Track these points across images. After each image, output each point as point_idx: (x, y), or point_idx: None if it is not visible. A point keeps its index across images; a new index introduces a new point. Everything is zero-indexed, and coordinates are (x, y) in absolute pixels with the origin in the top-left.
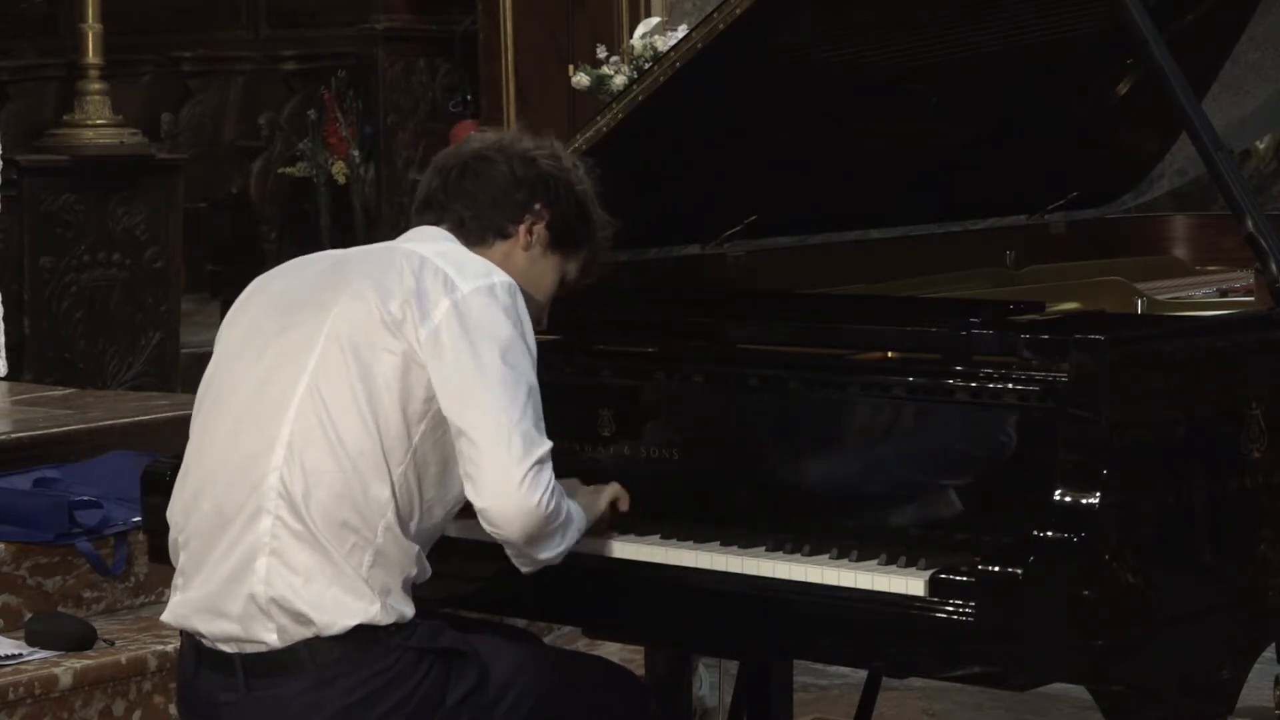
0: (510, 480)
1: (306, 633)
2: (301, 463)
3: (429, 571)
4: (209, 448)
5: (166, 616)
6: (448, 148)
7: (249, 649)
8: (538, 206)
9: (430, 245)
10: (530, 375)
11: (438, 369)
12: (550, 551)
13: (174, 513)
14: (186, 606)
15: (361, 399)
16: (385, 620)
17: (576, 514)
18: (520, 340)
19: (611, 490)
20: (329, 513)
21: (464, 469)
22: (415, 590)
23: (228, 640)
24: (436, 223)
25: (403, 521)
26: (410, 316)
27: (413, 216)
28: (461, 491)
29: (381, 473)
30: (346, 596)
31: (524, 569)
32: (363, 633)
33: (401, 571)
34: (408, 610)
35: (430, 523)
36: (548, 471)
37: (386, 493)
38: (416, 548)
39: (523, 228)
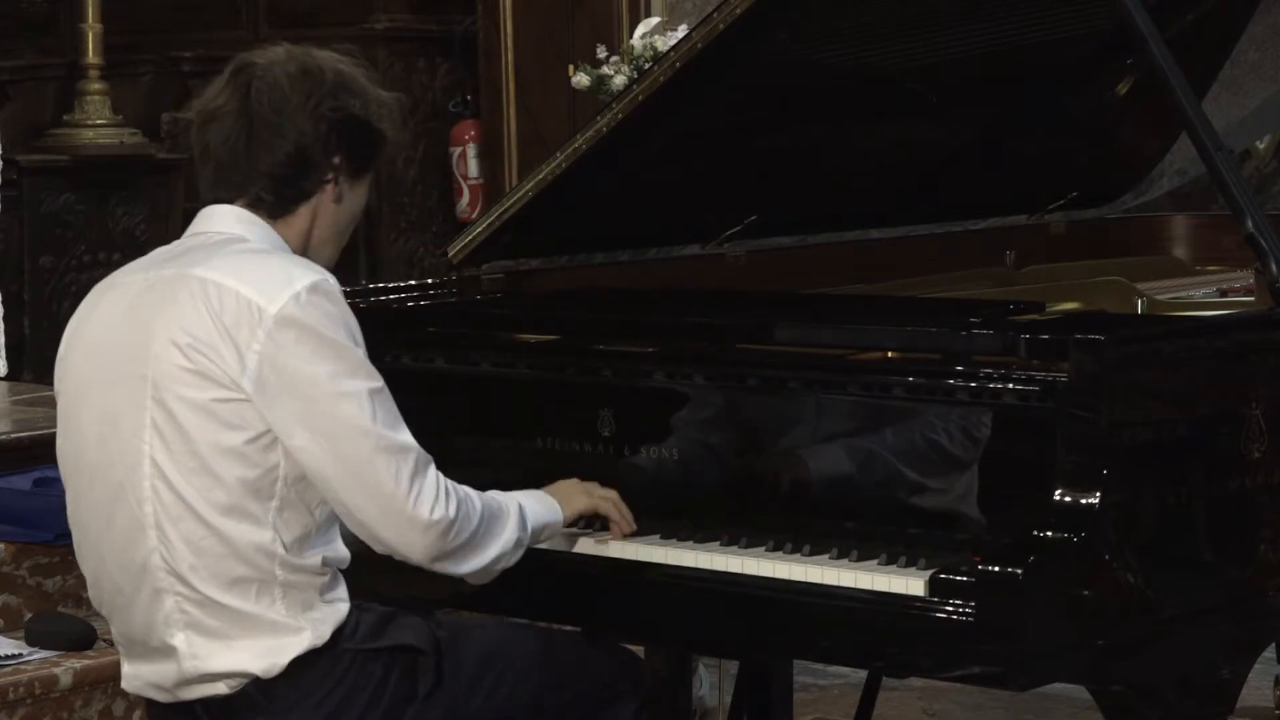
0: (394, 509)
1: (250, 678)
2: (174, 537)
3: (346, 555)
4: (89, 528)
5: (125, 685)
6: (209, 100)
7: (207, 697)
8: (337, 160)
9: (223, 259)
10: (369, 378)
11: (273, 415)
12: (474, 562)
13: (89, 582)
14: (137, 680)
15: (206, 459)
16: (319, 641)
17: (513, 510)
18: (346, 344)
19: (602, 491)
20: (220, 575)
21: (338, 511)
22: (408, 593)
23: (182, 698)
24: (231, 200)
25: (295, 545)
26: (225, 363)
27: (202, 186)
28: None
29: (253, 518)
30: (273, 640)
31: (470, 581)
32: (302, 660)
33: (315, 583)
34: (339, 611)
35: (321, 524)
36: (429, 478)
37: (268, 534)
38: (320, 554)
39: (328, 186)
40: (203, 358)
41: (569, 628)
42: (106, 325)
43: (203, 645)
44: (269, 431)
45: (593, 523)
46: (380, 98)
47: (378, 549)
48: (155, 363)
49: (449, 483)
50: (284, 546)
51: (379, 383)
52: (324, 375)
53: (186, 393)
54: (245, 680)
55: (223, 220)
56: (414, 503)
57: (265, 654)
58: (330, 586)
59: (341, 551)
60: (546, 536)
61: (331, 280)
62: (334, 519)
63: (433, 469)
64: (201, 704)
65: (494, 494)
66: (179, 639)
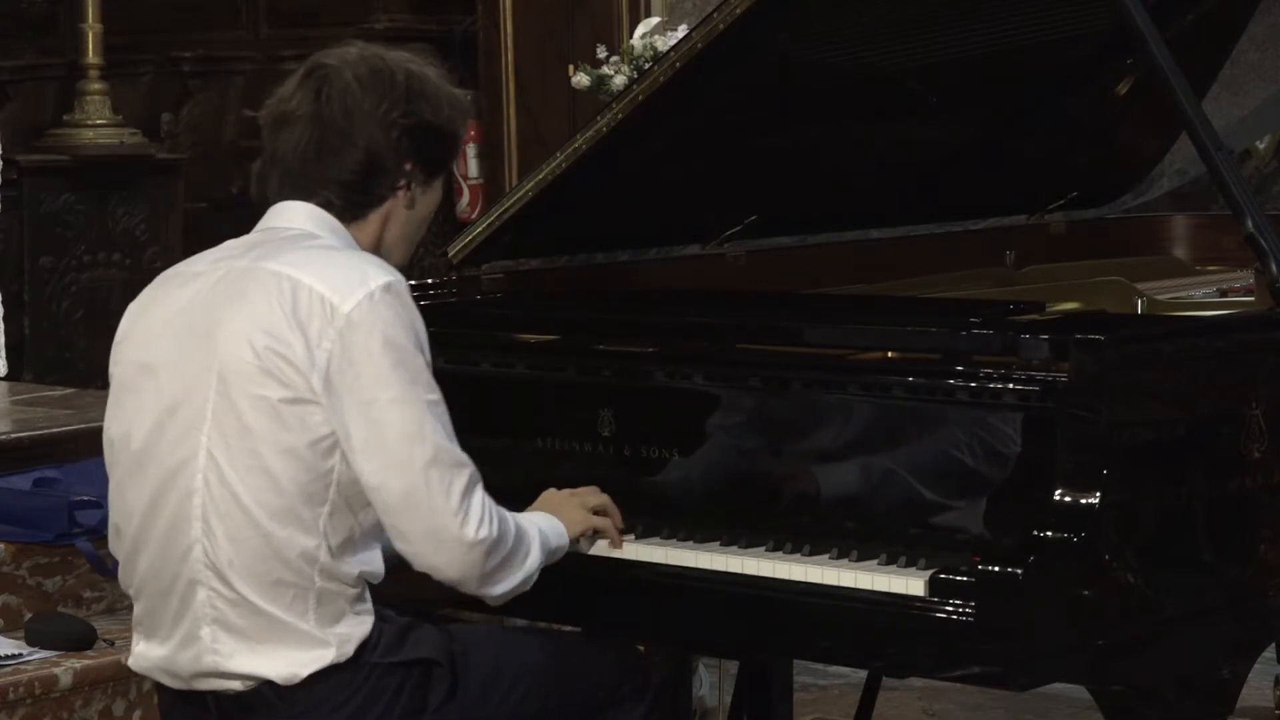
0: (440, 525)
1: (266, 681)
2: (219, 533)
3: (381, 571)
4: (130, 514)
5: (133, 664)
6: (280, 102)
7: (219, 691)
8: (408, 167)
9: (294, 254)
10: (430, 388)
11: (335, 415)
12: (504, 584)
13: (118, 558)
14: (149, 661)
15: (265, 458)
16: (343, 657)
17: (535, 534)
18: (411, 352)
19: (594, 503)
20: (259, 576)
21: (383, 519)
22: (402, 591)
23: (195, 689)
24: (302, 199)
25: (338, 553)
26: (296, 358)
27: (270, 189)
28: None
29: (302, 523)
30: (298, 651)
31: (489, 602)
32: (323, 671)
33: (348, 594)
34: (364, 626)
35: (365, 532)
36: (478, 496)
37: (314, 540)
38: (359, 569)
39: (400, 192)
40: (274, 355)
41: (573, 629)
42: (172, 313)
43: (226, 643)
44: (331, 435)
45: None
46: (452, 97)
47: (416, 564)
48: (224, 357)
49: (492, 502)
50: (328, 552)
51: (437, 395)
52: (388, 381)
53: (254, 390)
54: (260, 682)
55: (294, 217)
56: (462, 520)
57: (287, 664)
58: (360, 599)
59: (378, 565)
60: (555, 559)
61: (403, 283)
62: (377, 528)
63: (481, 488)
64: (213, 697)
65: (518, 517)
66: (205, 632)
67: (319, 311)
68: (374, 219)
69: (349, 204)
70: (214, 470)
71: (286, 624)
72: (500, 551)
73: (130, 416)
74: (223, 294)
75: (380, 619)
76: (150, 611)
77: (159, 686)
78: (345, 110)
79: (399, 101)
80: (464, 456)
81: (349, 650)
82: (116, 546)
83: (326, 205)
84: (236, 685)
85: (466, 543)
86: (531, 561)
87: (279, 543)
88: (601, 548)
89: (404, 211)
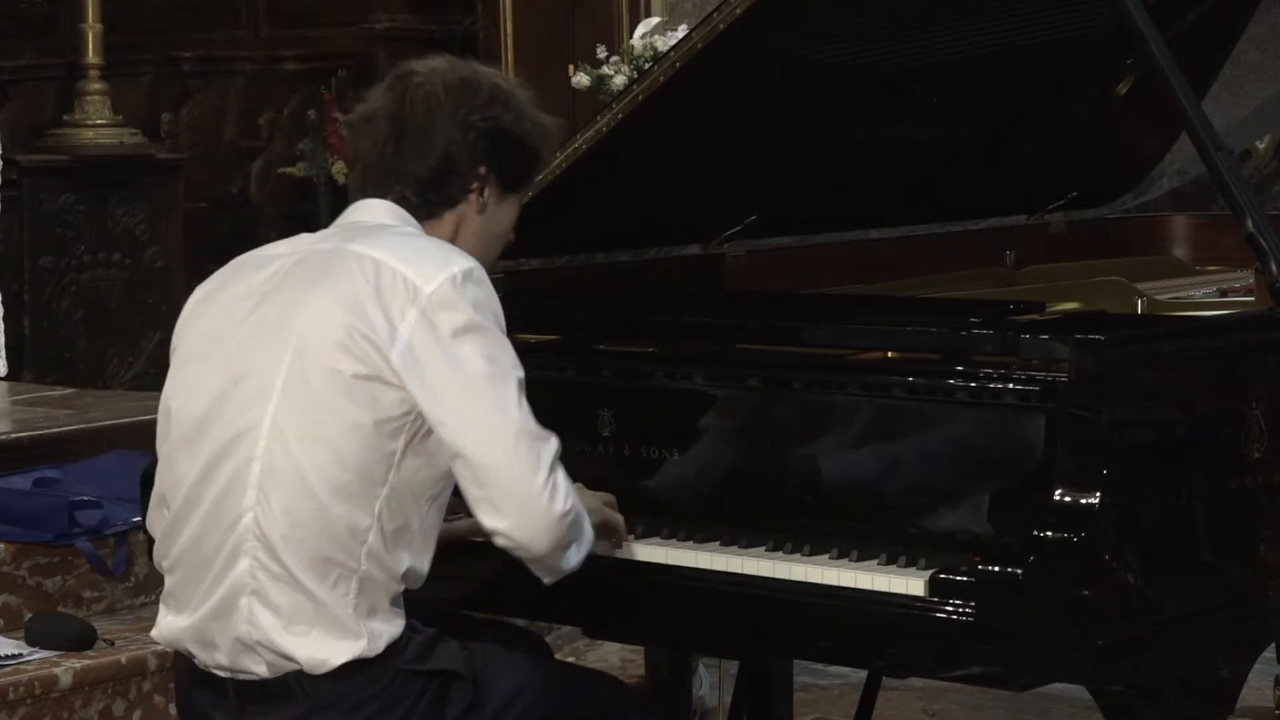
0: (531, 496)
1: (295, 667)
2: (274, 504)
3: (424, 575)
4: (180, 482)
5: (156, 634)
6: (368, 104)
7: (240, 676)
8: (482, 170)
9: (379, 239)
10: (515, 367)
11: (419, 389)
12: (575, 558)
13: (155, 535)
14: (176, 630)
15: (331, 431)
16: (373, 652)
17: (585, 515)
18: (495, 331)
19: (608, 514)
20: (308, 551)
21: (470, 492)
22: (409, 594)
23: (219, 667)
24: (379, 196)
25: (388, 542)
26: (376, 334)
27: (351, 186)
28: (451, 486)
29: (360, 502)
30: (330, 637)
31: (547, 579)
32: (350, 665)
33: (389, 589)
34: (396, 626)
35: (423, 528)
36: (562, 471)
37: (368, 520)
38: (406, 565)
39: (472, 195)
40: (355, 331)
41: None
42: (248, 290)
43: (263, 615)
44: (400, 417)
45: None
46: (537, 119)
47: (500, 533)
48: (303, 331)
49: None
50: (380, 535)
51: (521, 372)
52: (474, 357)
53: (329, 363)
54: (288, 668)
55: (373, 212)
56: (550, 492)
57: (319, 648)
58: (397, 601)
59: (424, 568)
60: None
61: (481, 269)
62: (428, 530)
63: (562, 465)
64: (234, 684)
65: None
66: (242, 602)
67: (402, 291)
68: (448, 220)
69: (423, 201)
70: (278, 438)
71: (325, 605)
72: (579, 525)
73: (193, 385)
74: (305, 273)
75: (410, 629)
76: (183, 583)
77: (177, 667)
78: (427, 110)
79: (480, 106)
80: (552, 435)
81: (379, 646)
82: (156, 518)
83: (402, 201)
84: (263, 669)
85: (555, 514)
86: (587, 540)
87: (333, 518)
88: (603, 547)
89: (476, 218)
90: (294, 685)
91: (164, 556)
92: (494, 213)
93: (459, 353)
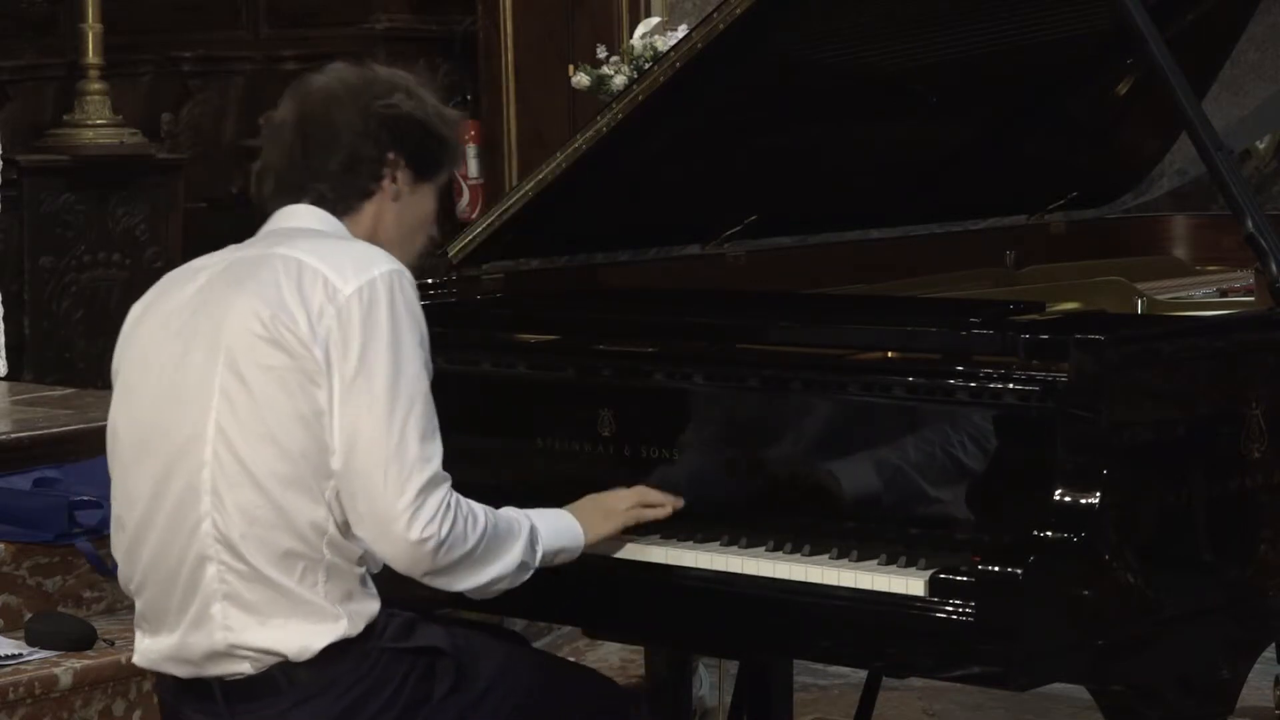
0: (389, 517)
1: (279, 659)
2: (229, 505)
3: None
4: (134, 501)
5: (138, 660)
6: (272, 117)
7: (227, 677)
8: (391, 156)
9: (303, 242)
10: (417, 381)
11: (329, 388)
12: (468, 581)
13: (118, 557)
14: (155, 654)
15: (272, 426)
16: (353, 632)
17: (523, 534)
18: (408, 341)
19: (629, 501)
20: (270, 547)
21: (344, 500)
22: (398, 590)
23: (204, 675)
24: (297, 201)
25: (344, 530)
26: (298, 329)
27: (266, 197)
28: None
29: (312, 493)
30: (308, 624)
31: (471, 596)
32: (334, 648)
33: (356, 573)
34: (372, 606)
35: None
36: (435, 499)
37: (322, 511)
38: (363, 547)
39: (384, 182)
40: (281, 326)
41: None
42: (179, 305)
43: (238, 618)
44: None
45: None
46: (440, 107)
47: (373, 553)
48: (232, 333)
49: (458, 501)
50: (336, 525)
51: (423, 389)
52: (374, 368)
53: (262, 360)
54: (273, 661)
55: (298, 217)
56: (410, 517)
57: (300, 636)
58: (365, 582)
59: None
60: (563, 560)
61: (407, 275)
62: None
63: (444, 489)
64: (220, 684)
65: (509, 514)
66: (215, 609)
67: (321, 289)
68: (367, 213)
69: (339, 195)
70: (223, 442)
71: (298, 596)
72: (453, 550)
73: (136, 403)
74: (234, 278)
75: (387, 612)
76: (154, 603)
77: (161, 682)
78: (327, 108)
79: (380, 95)
80: (431, 454)
81: (359, 626)
82: (118, 542)
83: (319, 200)
84: (247, 667)
85: (410, 540)
86: (509, 560)
87: (289, 512)
88: (601, 545)
89: (392, 206)
90: (280, 678)
91: (129, 580)
92: (409, 201)
93: (364, 360)
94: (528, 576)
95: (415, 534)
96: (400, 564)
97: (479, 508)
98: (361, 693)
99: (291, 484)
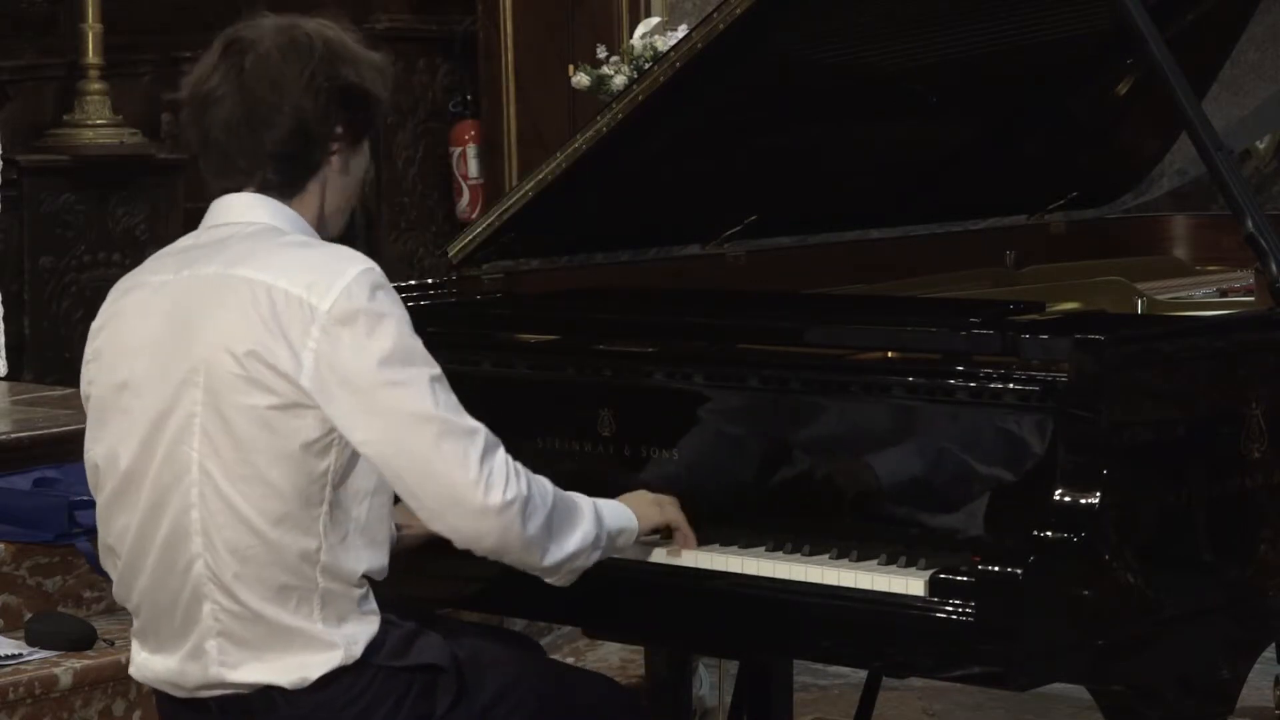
0: (464, 495)
1: (275, 687)
2: (219, 546)
3: (384, 565)
4: (124, 532)
5: (135, 673)
6: (201, 79)
7: (224, 696)
8: (338, 130)
9: (263, 257)
10: (427, 363)
11: (335, 411)
12: (553, 554)
13: (114, 579)
14: (153, 673)
15: (259, 467)
16: (351, 659)
17: (588, 507)
18: (400, 333)
19: (671, 511)
20: (264, 584)
21: (411, 505)
22: (401, 589)
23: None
24: (240, 187)
25: (339, 552)
26: (280, 363)
27: (206, 173)
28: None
29: (303, 525)
30: (306, 654)
31: (552, 581)
32: (331, 674)
33: (353, 594)
34: (371, 626)
35: (370, 523)
36: (498, 460)
37: (314, 542)
38: (364, 566)
39: (334, 158)
40: (258, 363)
41: (581, 648)
42: (146, 327)
43: (234, 654)
44: (324, 436)
45: None
46: (371, 60)
47: (456, 540)
48: (207, 370)
49: (519, 465)
50: (329, 551)
51: (436, 369)
52: (380, 365)
53: (243, 400)
54: (267, 686)
55: (244, 210)
56: (485, 486)
57: (295, 669)
58: (365, 599)
59: (380, 562)
60: (623, 544)
61: (377, 269)
62: (376, 523)
63: (502, 450)
64: (217, 701)
65: (568, 493)
66: (210, 644)
67: (298, 313)
68: (313, 191)
69: (287, 177)
70: (209, 484)
71: (293, 629)
72: (539, 512)
73: (115, 437)
74: (197, 304)
75: (386, 623)
76: (153, 623)
77: (159, 695)
78: (270, 81)
79: (322, 66)
80: (474, 423)
81: (357, 651)
82: (109, 564)
83: (264, 185)
84: (244, 691)
85: (495, 507)
86: (586, 530)
87: (280, 548)
88: (661, 554)
89: (338, 179)
90: (277, 699)
91: (125, 600)
92: (353, 165)
93: (363, 366)
94: (598, 556)
95: (496, 500)
96: (490, 540)
97: (538, 476)
98: (359, 711)
99: (281, 520)
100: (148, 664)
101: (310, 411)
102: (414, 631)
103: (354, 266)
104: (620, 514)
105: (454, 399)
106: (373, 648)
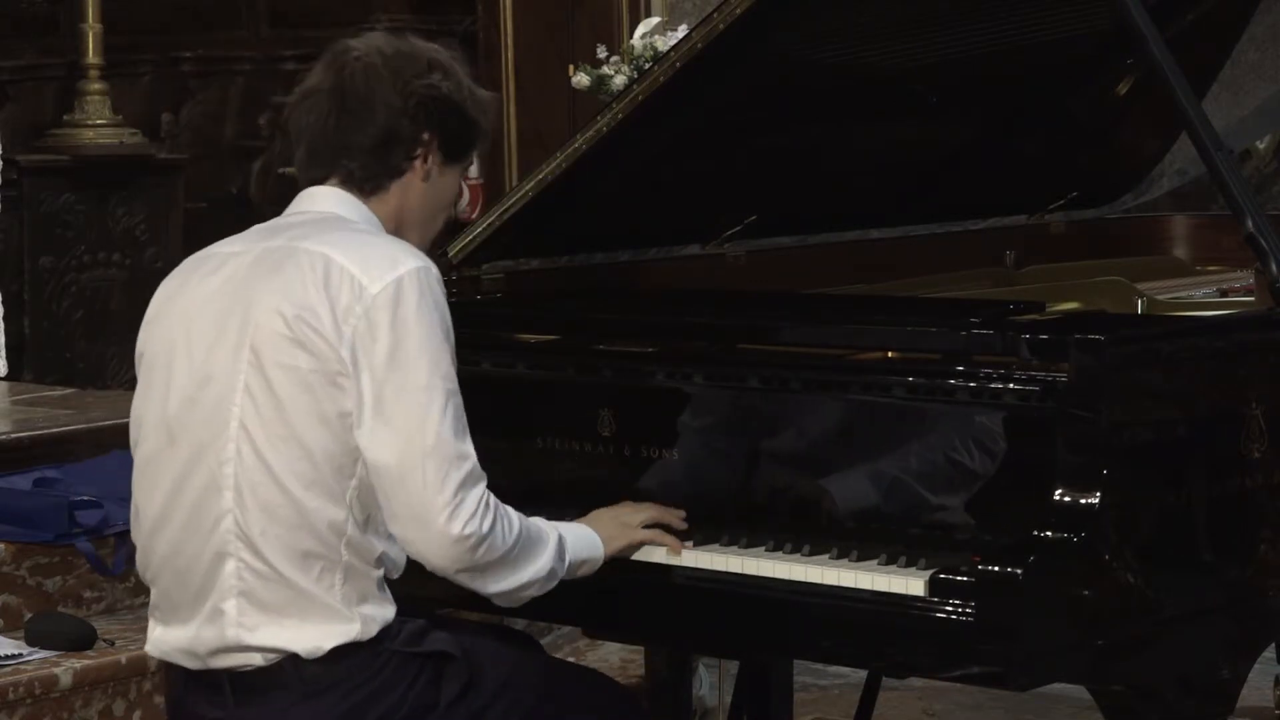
0: (429, 513)
1: (289, 655)
2: (251, 502)
3: (401, 563)
4: (154, 488)
5: (150, 649)
6: (307, 82)
7: (236, 669)
8: (426, 136)
9: (330, 234)
10: (447, 379)
11: (354, 389)
12: (500, 584)
13: (137, 546)
14: (167, 644)
15: (296, 428)
16: (366, 635)
17: (551, 541)
18: (435, 339)
19: (644, 516)
20: (289, 546)
21: (380, 499)
22: (409, 592)
23: (213, 667)
24: (324, 179)
25: (364, 530)
26: (324, 329)
27: (298, 165)
28: None
29: (332, 494)
30: (323, 623)
31: (498, 602)
32: (345, 648)
33: (373, 575)
34: (388, 612)
35: None
36: (474, 494)
37: (342, 512)
38: (381, 548)
39: (416, 162)
40: (305, 326)
41: (581, 648)
42: (206, 292)
43: (251, 615)
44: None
45: None
46: (476, 90)
47: (406, 549)
48: (257, 329)
49: (494, 501)
50: (355, 525)
51: (454, 386)
52: (404, 364)
53: (286, 360)
54: (283, 655)
55: (323, 200)
56: (451, 512)
57: (312, 636)
58: (382, 586)
59: (399, 556)
60: (584, 572)
61: (434, 270)
62: None
63: (482, 486)
64: (229, 675)
65: (536, 521)
66: (229, 604)
67: (348, 288)
68: (394, 191)
69: (369, 174)
70: (246, 440)
71: (314, 596)
72: (492, 549)
73: (161, 392)
74: (260, 273)
75: (400, 617)
76: (169, 594)
77: (170, 672)
78: (366, 80)
79: (420, 74)
80: (467, 450)
81: (372, 630)
82: (135, 530)
83: (348, 178)
84: (257, 659)
85: (451, 535)
86: (541, 565)
87: (309, 513)
88: (661, 554)
89: (420, 186)
90: (289, 671)
91: (145, 567)
92: (437, 182)
93: (395, 359)
94: (553, 585)
95: (456, 530)
96: (438, 561)
97: (512, 511)
98: (368, 693)
99: (312, 484)
100: (163, 638)
101: (349, 383)
102: (425, 626)
103: (412, 262)
104: (585, 543)
105: (461, 423)
106: (388, 633)
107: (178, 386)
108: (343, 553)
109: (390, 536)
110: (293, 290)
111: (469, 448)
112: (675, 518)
